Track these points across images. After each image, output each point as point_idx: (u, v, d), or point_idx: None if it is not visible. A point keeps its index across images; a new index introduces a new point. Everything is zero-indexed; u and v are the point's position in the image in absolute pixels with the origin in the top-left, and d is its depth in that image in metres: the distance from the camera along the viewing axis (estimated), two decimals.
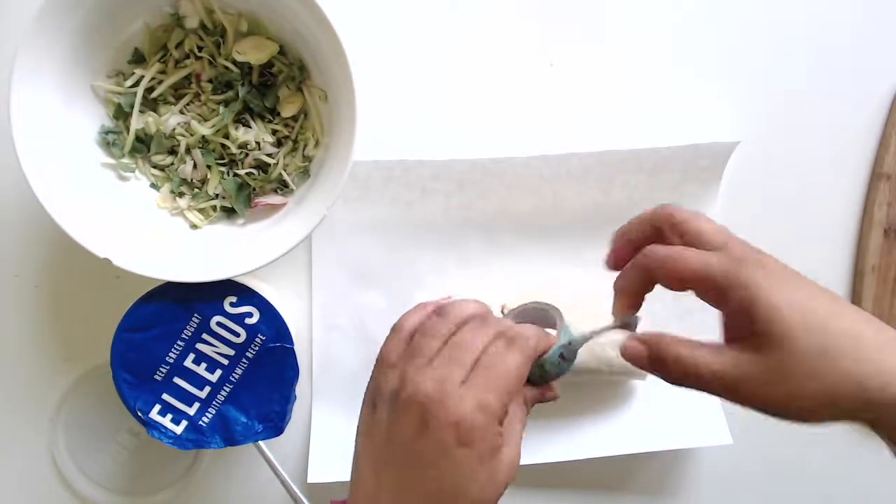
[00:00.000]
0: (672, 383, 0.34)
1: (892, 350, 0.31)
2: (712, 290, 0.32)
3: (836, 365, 0.30)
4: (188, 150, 0.52)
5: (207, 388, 0.50)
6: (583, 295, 0.59)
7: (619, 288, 0.37)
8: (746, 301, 0.31)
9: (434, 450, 0.34)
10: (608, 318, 0.58)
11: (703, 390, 0.33)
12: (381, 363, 0.39)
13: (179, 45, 0.51)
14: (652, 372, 0.35)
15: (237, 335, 0.50)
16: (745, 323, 0.31)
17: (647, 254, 0.35)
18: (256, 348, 0.50)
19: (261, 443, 0.51)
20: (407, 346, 0.38)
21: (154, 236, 0.50)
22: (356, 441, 0.39)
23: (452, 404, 0.34)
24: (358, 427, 0.39)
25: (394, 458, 0.36)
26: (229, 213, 0.53)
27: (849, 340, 0.31)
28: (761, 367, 0.31)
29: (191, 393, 0.50)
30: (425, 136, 0.57)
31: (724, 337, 0.34)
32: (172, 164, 0.52)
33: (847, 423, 0.32)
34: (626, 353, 0.36)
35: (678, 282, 0.33)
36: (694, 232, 0.34)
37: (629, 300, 0.37)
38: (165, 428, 0.49)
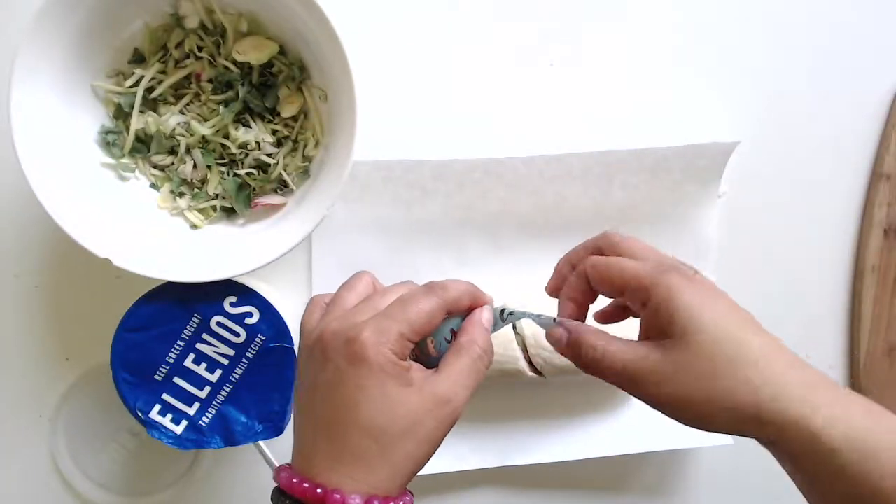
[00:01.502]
0: (583, 369, 0.36)
1: (795, 377, 0.32)
2: (640, 290, 0.35)
3: (739, 372, 0.32)
4: (188, 150, 0.52)
5: (207, 388, 0.50)
6: None
7: (563, 296, 0.40)
8: (666, 300, 0.33)
9: (333, 377, 0.34)
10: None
11: (610, 380, 0.35)
12: (301, 334, 0.38)
13: (179, 45, 0.51)
14: (569, 356, 0.37)
15: (237, 335, 0.50)
16: (663, 321, 0.33)
17: (587, 263, 0.38)
18: (256, 348, 0.50)
19: (261, 443, 0.51)
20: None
21: (154, 236, 0.50)
22: None
23: (351, 332, 0.34)
24: None
25: (309, 402, 0.36)
26: (229, 213, 0.53)
27: (756, 355, 0.32)
28: (668, 363, 0.33)
29: (191, 393, 0.50)
30: (425, 136, 0.57)
31: (641, 336, 0.36)
32: (172, 164, 0.52)
33: (742, 436, 0.33)
34: (549, 336, 0.38)
35: (612, 286, 0.36)
36: (628, 251, 0.37)
37: (573, 309, 0.39)
38: (165, 428, 0.49)
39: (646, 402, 0.34)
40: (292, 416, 0.39)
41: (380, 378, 0.34)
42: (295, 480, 0.34)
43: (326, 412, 0.35)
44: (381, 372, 0.34)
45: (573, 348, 0.36)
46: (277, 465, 0.50)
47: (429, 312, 0.36)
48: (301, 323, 0.39)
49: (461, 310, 0.38)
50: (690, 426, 0.34)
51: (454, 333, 0.38)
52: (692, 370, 0.32)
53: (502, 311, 0.39)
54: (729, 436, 0.57)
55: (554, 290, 0.41)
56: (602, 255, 0.38)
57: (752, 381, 0.32)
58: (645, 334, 0.35)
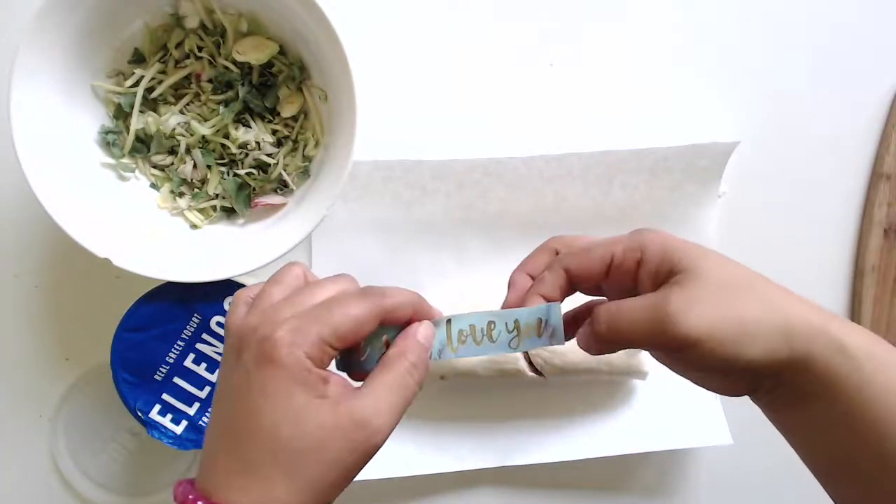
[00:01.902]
0: (602, 341, 0.34)
1: (803, 301, 0.32)
2: (629, 256, 0.33)
3: (757, 292, 0.31)
4: (188, 150, 0.52)
5: (207, 388, 0.50)
6: (582, 295, 0.59)
7: (535, 294, 0.36)
8: (664, 247, 0.33)
9: (239, 378, 0.30)
10: None
11: (635, 339, 0.32)
12: (225, 332, 0.34)
13: (179, 45, 0.51)
14: (582, 344, 0.35)
15: None
16: (669, 266, 0.32)
17: (563, 258, 0.35)
18: None
19: None
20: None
21: (154, 236, 0.50)
22: None
23: (267, 328, 0.30)
24: None
25: (217, 406, 0.32)
26: (229, 213, 0.53)
27: (764, 282, 0.32)
28: (689, 292, 0.31)
29: (191, 393, 0.50)
30: (425, 136, 0.57)
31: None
32: (172, 164, 0.52)
33: (772, 369, 0.31)
34: (582, 343, 0.35)
35: (599, 269, 0.34)
36: (586, 242, 0.36)
37: (526, 285, 0.37)
38: (165, 428, 0.49)
39: (674, 345, 0.31)
40: None
41: (288, 384, 0.30)
42: (191, 497, 0.30)
43: (230, 419, 0.31)
44: (290, 378, 0.30)
45: (589, 324, 0.34)
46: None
47: (357, 318, 0.31)
48: (226, 320, 0.34)
49: (400, 320, 0.34)
50: (706, 369, 0.33)
51: (388, 343, 0.34)
52: (714, 294, 0.31)
53: (448, 320, 0.35)
54: (727, 431, 0.57)
55: (516, 303, 0.37)
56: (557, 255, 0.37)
57: (773, 297, 0.31)
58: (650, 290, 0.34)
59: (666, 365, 0.35)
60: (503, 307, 0.37)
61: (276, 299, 0.33)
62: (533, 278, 0.37)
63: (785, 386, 0.32)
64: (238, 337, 0.32)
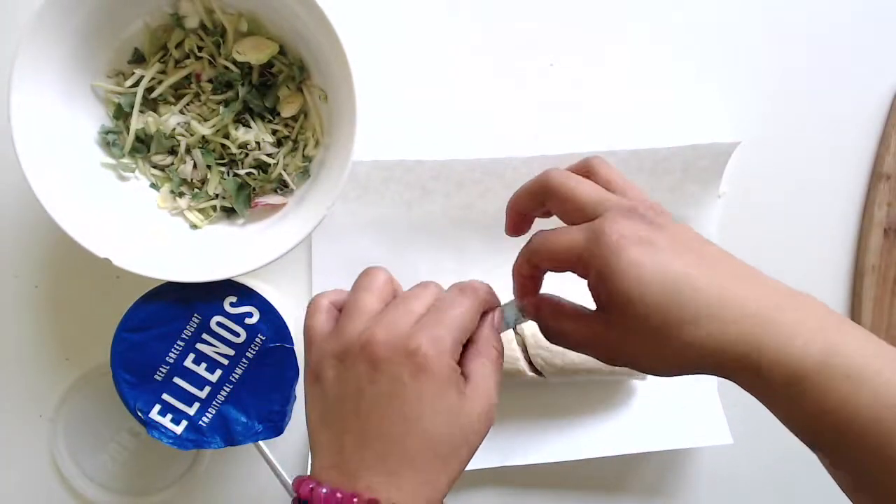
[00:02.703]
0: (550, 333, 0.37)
1: (734, 329, 0.30)
2: (578, 265, 0.34)
3: (678, 336, 0.31)
4: (188, 150, 0.52)
5: (207, 388, 0.50)
6: (582, 295, 0.59)
7: (514, 274, 0.39)
8: (598, 276, 0.32)
9: (389, 388, 0.33)
10: None
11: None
12: (312, 341, 0.37)
13: (179, 45, 0.51)
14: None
15: (237, 335, 0.50)
16: (601, 295, 0.33)
17: (525, 250, 0.37)
18: (256, 348, 0.50)
19: (261, 443, 0.51)
20: (333, 318, 0.37)
21: (154, 236, 0.50)
22: (307, 419, 0.37)
23: (403, 340, 0.33)
24: (306, 407, 0.37)
25: (349, 413, 0.34)
26: (229, 213, 0.53)
27: (694, 314, 0.30)
28: (612, 336, 0.33)
29: (191, 393, 0.50)
30: (425, 136, 0.57)
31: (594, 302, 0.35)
32: (172, 164, 0.52)
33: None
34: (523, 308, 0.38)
35: (554, 263, 0.35)
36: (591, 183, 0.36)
37: (524, 287, 0.39)
38: (165, 428, 0.49)
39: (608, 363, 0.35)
40: (307, 426, 0.37)
41: (442, 388, 0.33)
42: (328, 493, 0.32)
43: (380, 424, 0.33)
44: (444, 382, 0.33)
45: (543, 326, 0.37)
46: (287, 475, 0.50)
47: (471, 315, 0.35)
48: (306, 327, 0.37)
49: (491, 308, 0.38)
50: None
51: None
52: (635, 340, 0.32)
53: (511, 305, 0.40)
54: (727, 431, 0.57)
55: (515, 231, 0.40)
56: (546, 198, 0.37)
57: (694, 341, 0.31)
58: (594, 301, 0.35)
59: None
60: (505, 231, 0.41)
61: (373, 307, 0.36)
62: (525, 216, 0.39)
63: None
64: (365, 348, 0.34)
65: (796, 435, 0.32)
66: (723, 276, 0.31)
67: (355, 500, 0.32)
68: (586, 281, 0.34)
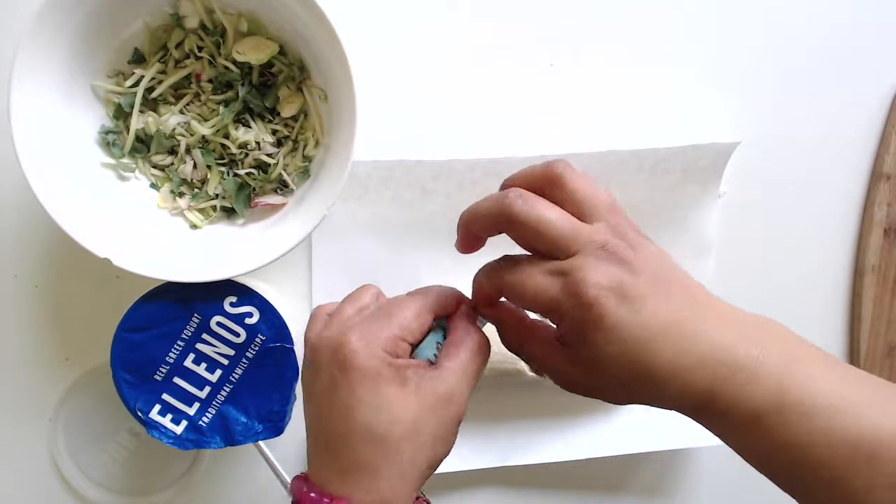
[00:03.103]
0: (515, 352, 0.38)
1: (699, 380, 0.31)
2: (552, 314, 0.33)
3: (643, 391, 0.32)
4: (188, 150, 0.52)
5: (207, 388, 0.50)
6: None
7: (474, 285, 0.38)
8: (572, 331, 0.32)
9: (327, 385, 0.34)
10: None
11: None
12: (304, 345, 0.38)
13: (179, 45, 0.51)
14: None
15: (237, 335, 0.50)
16: (572, 340, 0.33)
17: (494, 270, 0.36)
18: (256, 348, 0.50)
19: (261, 443, 0.51)
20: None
21: (154, 236, 0.50)
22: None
23: (334, 338, 0.34)
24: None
25: (312, 413, 0.36)
26: (229, 213, 0.53)
27: (663, 375, 0.31)
28: (579, 372, 0.33)
29: (191, 393, 0.50)
30: (425, 136, 0.57)
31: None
32: (172, 164, 0.52)
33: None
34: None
35: (524, 305, 0.35)
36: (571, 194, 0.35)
37: (484, 301, 0.38)
38: (165, 428, 0.49)
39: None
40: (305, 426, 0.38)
41: (374, 381, 0.33)
42: (306, 491, 0.33)
43: (325, 422, 0.34)
44: (375, 375, 0.33)
45: (502, 321, 0.37)
46: (287, 475, 0.50)
47: (415, 311, 0.35)
48: (304, 337, 0.38)
49: (447, 311, 0.38)
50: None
51: (439, 347, 0.37)
52: (602, 384, 0.33)
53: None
54: None
55: (467, 250, 0.39)
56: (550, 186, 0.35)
57: (664, 391, 0.31)
58: (562, 338, 0.34)
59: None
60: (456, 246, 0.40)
61: (347, 315, 0.37)
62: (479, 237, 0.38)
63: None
64: (315, 349, 0.36)
65: (756, 468, 0.32)
66: (707, 320, 0.31)
67: (313, 495, 0.33)
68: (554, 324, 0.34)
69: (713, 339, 0.31)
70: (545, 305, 0.33)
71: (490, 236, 0.37)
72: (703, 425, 0.33)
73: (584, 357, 0.32)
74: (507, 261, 0.35)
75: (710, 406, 0.31)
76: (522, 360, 0.38)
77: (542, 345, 0.35)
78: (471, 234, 0.38)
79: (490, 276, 0.36)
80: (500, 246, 0.38)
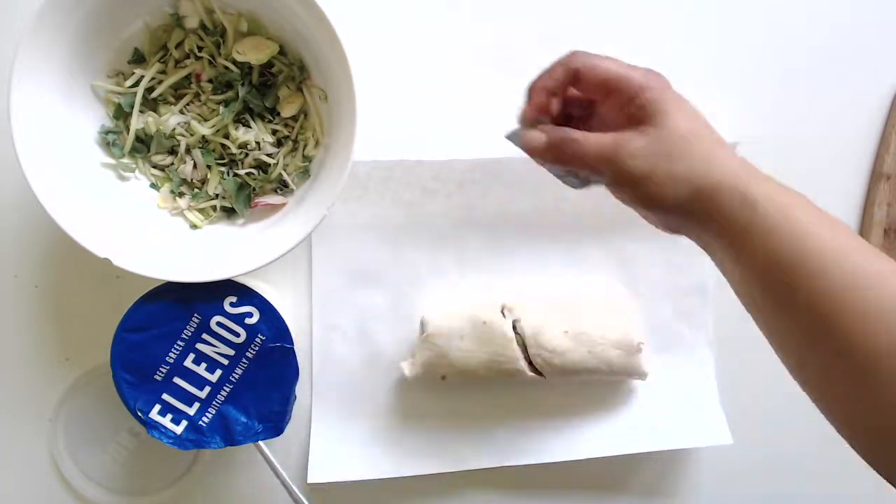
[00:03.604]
0: (563, 162, 0.40)
1: (736, 163, 0.37)
2: (631, 89, 0.38)
3: (696, 152, 0.37)
4: (188, 150, 0.52)
5: (207, 388, 0.50)
6: (582, 295, 0.59)
7: (538, 86, 0.41)
8: (652, 99, 0.38)
9: None
10: (610, 321, 0.58)
11: (591, 163, 0.39)
12: None
13: (179, 45, 0.51)
14: (547, 157, 0.40)
15: (237, 335, 0.50)
16: (646, 114, 0.38)
17: (581, 62, 0.40)
18: (256, 348, 0.50)
19: (261, 443, 0.51)
20: None
21: (154, 236, 0.50)
22: None
23: None
24: None
25: None
26: (229, 213, 0.53)
27: (710, 145, 0.38)
28: (642, 142, 0.38)
29: (191, 393, 0.50)
30: (425, 136, 0.57)
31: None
32: (172, 164, 0.52)
33: (684, 219, 0.38)
34: (527, 140, 0.41)
35: (606, 85, 0.39)
36: (607, 68, 0.40)
37: (544, 99, 0.41)
38: (165, 428, 0.49)
39: (613, 180, 0.39)
40: None
41: None
42: None
43: None
44: None
45: (553, 149, 0.40)
46: (287, 475, 0.50)
47: None
48: None
49: None
50: (643, 205, 0.39)
51: None
52: (661, 150, 0.37)
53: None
54: (727, 431, 0.57)
55: (531, 119, 0.42)
56: (577, 76, 0.40)
57: (710, 156, 0.37)
58: (620, 128, 0.39)
59: (618, 197, 0.41)
60: (522, 116, 0.42)
61: None
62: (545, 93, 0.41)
63: (703, 230, 0.38)
64: None
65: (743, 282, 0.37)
66: (720, 140, 0.39)
67: None
68: (625, 102, 0.39)
69: (723, 165, 0.37)
70: (627, 79, 0.39)
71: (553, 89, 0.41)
72: (702, 240, 0.38)
73: (654, 123, 0.37)
74: (583, 52, 0.40)
75: (705, 218, 0.36)
76: (571, 156, 0.39)
77: (590, 135, 0.39)
78: (544, 91, 0.41)
79: (570, 57, 0.40)
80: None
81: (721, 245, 0.37)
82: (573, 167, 0.40)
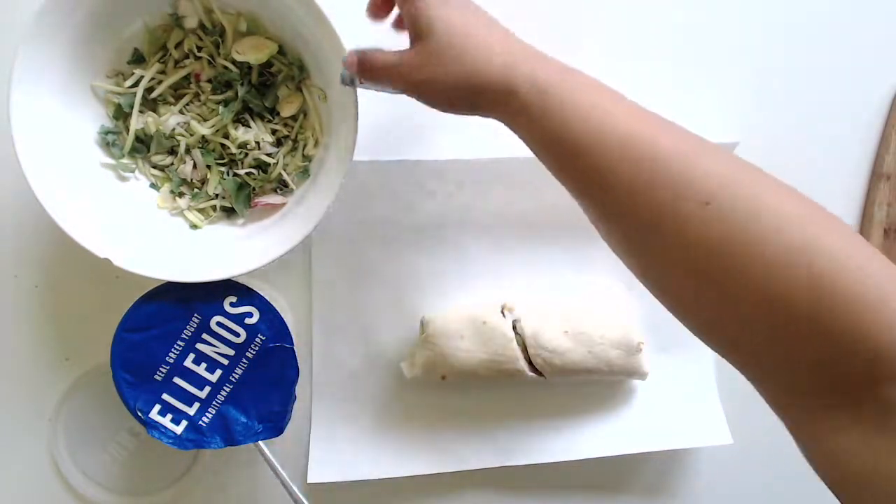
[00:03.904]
0: (367, 78, 0.44)
1: (516, 53, 0.41)
2: (401, 5, 0.42)
3: (468, 56, 0.40)
4: (188, 150, 0.52)
5: (207, 388, 0.50)
6: (582, 295, 0.59)
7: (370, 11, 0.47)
8: (414, 13, 0.41)
9: None
10: (610, 322, 0.58)
11: (386, 80, 0.43)
12: None
13: (179, 45, 0.51)
14: (355, 72, 0.44)
15: (237, 335, 0.50)
16: (416, 28, 0.41)
17: None
18: (256, 348, 0.50)
19: (261, 443, 0.51)
20: None
21: (154, 236, 0.50)
22: None
23: None
24: None
25: None
26: (229, 213, 0.53)
27: (488, 37, 0.41)
28: (418, 57, 0.41)
29: (191, 393, 0.50)
30: (425, 136, 0.57)
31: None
32: (172, 164, 0.52)
33: (478, 111, 0.42)
34: (346, 61, 0.44)
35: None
36: None
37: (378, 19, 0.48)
38: (165, 428, 0.49)
39: (404, 90, 0.43)
40: None
41: None
42: None
43: None
44: None
45: (362, 65, 0.44)
46: (287, 475, 0.50)
47: None
48: None
49: None
50: (437, 106, 0.43)
51: None
52: (436, 60, 0.40)
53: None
54: (727, 431, 0.57)
55: (372, 13, 0.48)
56: None
57: (487, 50, 0.40)
58: (409, 42, 0.43)
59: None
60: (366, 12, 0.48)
61: None
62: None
63: (494, 115, 0.41)
64: None
65: (544, 159, 0.41)
66: (495, 33, 0.42)
67: None
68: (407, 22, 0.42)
69: (500, 56, 0.40)
70: None
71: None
72: (503, 105, 0.40)
73: (429, 40, 0.40)
74: None
75: (511, 82, 0.39)
76: (374, 73, 0.44)
77: (388, 53, 0.43)
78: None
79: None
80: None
81: (516, 125, 0.41)
82: (376, 83, 0.44)
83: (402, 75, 0.42)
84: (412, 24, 0.42)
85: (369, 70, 0.44)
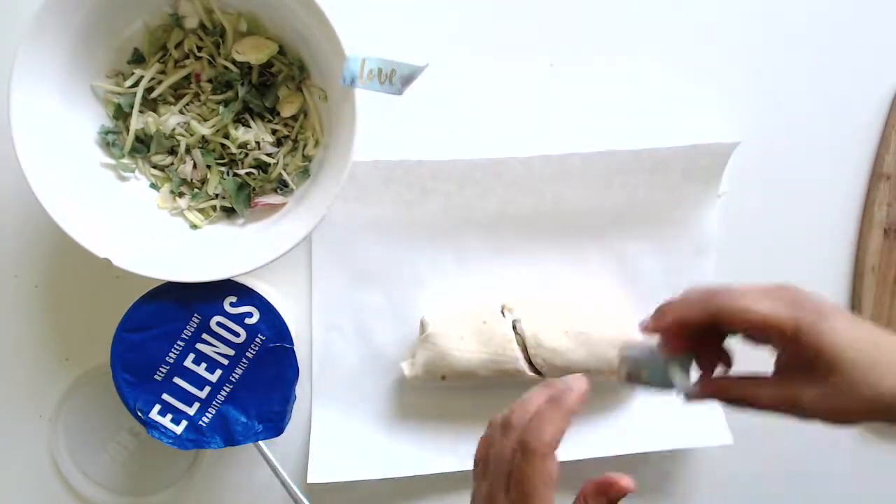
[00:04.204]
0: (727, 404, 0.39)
1: None
2: (783, 331, 0.36)
3: (883, 382, 0.35)
4: (188, 150, 0.52)
5: (207, 388, 0.50)
6: (582, 295, 0.59)
7: (671, 314, 0.39)
8: (810, 340, 0.35)
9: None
10: (610, 321, 0.58)
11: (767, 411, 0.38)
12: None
13: (179, 45, 0.51)
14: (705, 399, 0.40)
15: (237, 335, 0.50)
16: (809, 356, 0.36)
17: (715, 295, 0.38)
18: (256, 348, 0.50)
19: (261, 443, 0.51)
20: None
21: (154, 236, 0.50)
22: None
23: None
24: None
25: None
26: (229, 213, 0.53)
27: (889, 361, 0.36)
28: (811, 391, 0.36)
29: (191, 393, 0.50)
30: (425, 136, 0.57)
31: (777, 360, 0.38)
32: (172, 164, 0.52)
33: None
34: (693, 401, 0.40)
35: (747, 325, 0.37)
36: (746, 307, 0.37)
37: (683, 341, 0.40)
38: (165, 428, 0.49)
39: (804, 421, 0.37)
40: None
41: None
42: None
43: None
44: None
45: (724, 403, 0.39)
46: (287, 475, 0.51)
47: (542, 477, 0.42)
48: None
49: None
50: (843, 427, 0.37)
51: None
52: (841, 391, 0.35)
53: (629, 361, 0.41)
54: (727, 431, 0.57)
55: (653, 332, 0.41)
56: (716, 319, 0.38)
57: (886, 390, 0.35)
58: (784, 363, 0.38)
59: None
60: (645, 327, 0.41)
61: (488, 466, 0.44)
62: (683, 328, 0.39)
63: None
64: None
65: None
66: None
67: None
68: (779, 344, 0.37)
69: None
70: (772, 319, 0.36)
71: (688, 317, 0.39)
72: None
73: (819, 370, 0.35)
74: (718, 288, 0.38)
75: None
76: (746, 408, 0.38)
77: (765, 384, 0.38)
78: (676, 324, 0.39)
79: (702, 297, 0.38)
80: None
81: None
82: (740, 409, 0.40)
83: (800, 411, 0.37)
84: (803, 350, 0.36)
85: (739, 404, 0.39)
